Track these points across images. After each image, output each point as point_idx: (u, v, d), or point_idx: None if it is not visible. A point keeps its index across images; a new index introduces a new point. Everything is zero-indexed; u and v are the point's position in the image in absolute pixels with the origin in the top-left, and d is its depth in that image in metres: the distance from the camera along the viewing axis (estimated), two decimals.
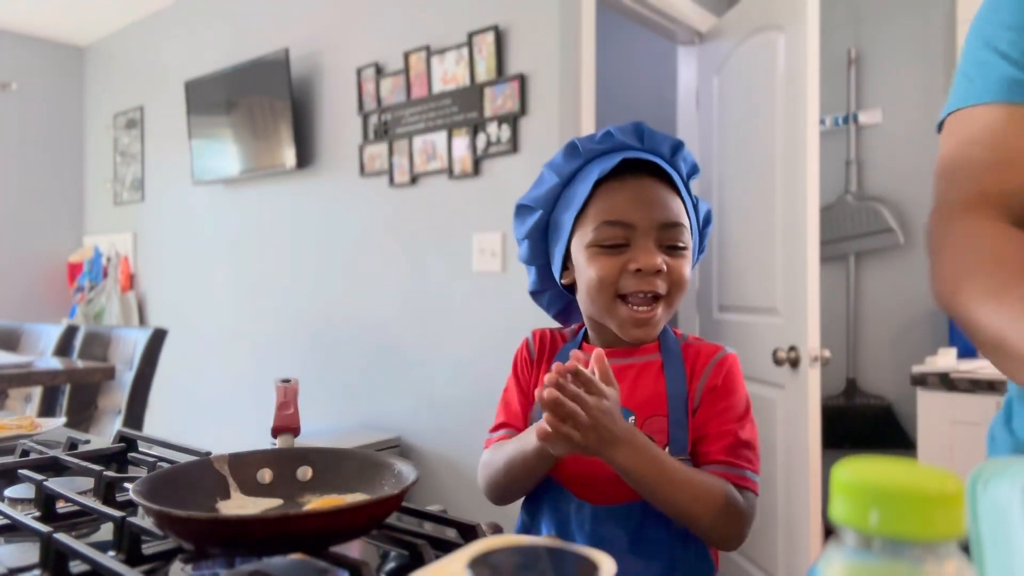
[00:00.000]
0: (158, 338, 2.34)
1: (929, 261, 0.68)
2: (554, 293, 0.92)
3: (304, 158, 3.09)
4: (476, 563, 0.42)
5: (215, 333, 3.59)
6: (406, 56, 2.68)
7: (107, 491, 0.79)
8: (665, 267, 0.77)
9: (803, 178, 2.16)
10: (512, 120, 2.38)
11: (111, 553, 0.64)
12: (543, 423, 0.68)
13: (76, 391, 2.35)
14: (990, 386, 2.21)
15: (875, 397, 2.95)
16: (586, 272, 0.80)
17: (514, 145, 2.38)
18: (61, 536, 0.62)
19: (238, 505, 0.73)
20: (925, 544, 0.28)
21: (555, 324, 1.00)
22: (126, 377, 2.29)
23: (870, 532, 0.28)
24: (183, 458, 0.90)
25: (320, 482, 0.77)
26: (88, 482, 0.84)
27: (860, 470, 0.29)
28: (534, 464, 0.76)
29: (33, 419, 1.23)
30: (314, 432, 2.64)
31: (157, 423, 3.28)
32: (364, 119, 2.87)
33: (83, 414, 2.36)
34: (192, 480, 0.72)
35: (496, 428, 0.90)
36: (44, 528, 0.63)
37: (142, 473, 0.88)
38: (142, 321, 4.04)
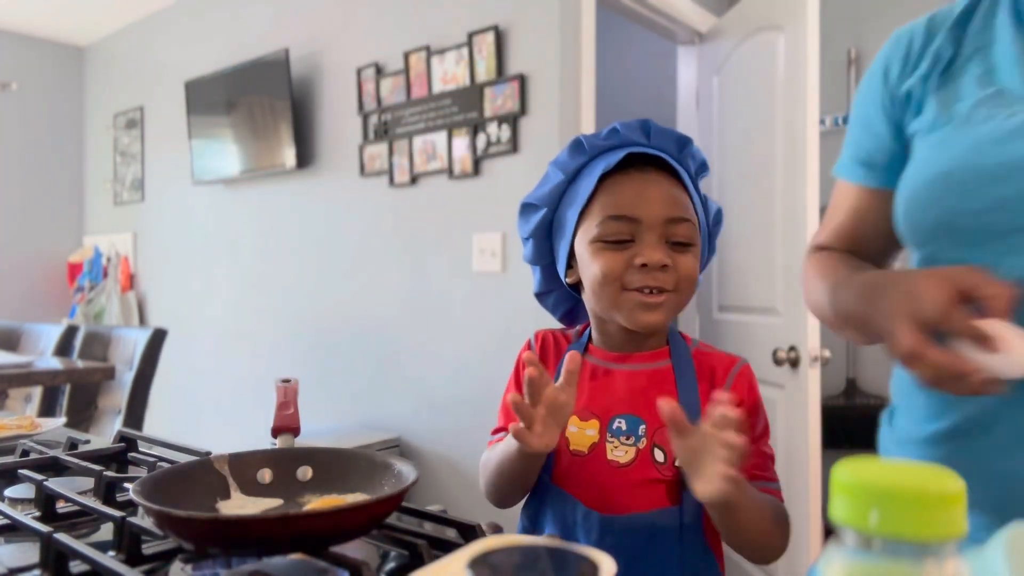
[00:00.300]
0: (158, 338, 2.35)
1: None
2: (560, 295, 0.91)
3: (304, 158, 3.09)
4: (476, 563, 0.42)
5: (215, 333, 3.59)
6: (406, 56, 2.68)
7: (107, 491, 0.79)
8: (670, 262, 0.76)
9: (803, 178, 2.16)
10: (512, 120, 2.38)
11: (111, 553, 0.64)
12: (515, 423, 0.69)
13: (76, 391, 2.35)
14: None
15: (875, 397, 2.95)
16: (590, 268, 0.79)
17: (514, 145, 2.38)
18: (61, 536, 0.62)
19: (238, 505, 0.73)
20: (925, 544, 0.28)
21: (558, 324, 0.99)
22: (126, 377, 2.29)
23: (870, 532, 0.28)
24: (183, 458, 0.90)
25: (320, 482, 0.77)
26: (88, 482, 0.84)
27: (860, 470, 0.29)
28: (519, 463, 0.76)
29: (33, 419, 1.23)
30: (314, 432, 2.64)
31: (157, 423, 3.28)
32: (364, 119, 2.87)
33: (83, 414, 2.36)
34: (192, 480, 0.72)
35: (497, 431, 0.90)
36: (44, 528, 0.63)
37: (142, 473, 0.88)
38: (142, 321, 4.04)
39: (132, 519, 0.66)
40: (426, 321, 2.67)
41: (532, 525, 0.82)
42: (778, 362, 2.19)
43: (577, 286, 0.85)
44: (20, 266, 4.21)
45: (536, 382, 0.69)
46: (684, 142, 0.82)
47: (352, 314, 2.95)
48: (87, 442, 1.08)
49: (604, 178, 0.79)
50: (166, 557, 0.64)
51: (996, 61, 0.74)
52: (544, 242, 0.86)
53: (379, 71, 2.80)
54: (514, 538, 0.46)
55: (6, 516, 0.72)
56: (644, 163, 0.79)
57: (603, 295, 0.78)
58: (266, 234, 3.32)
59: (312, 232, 3.11)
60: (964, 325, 0.58)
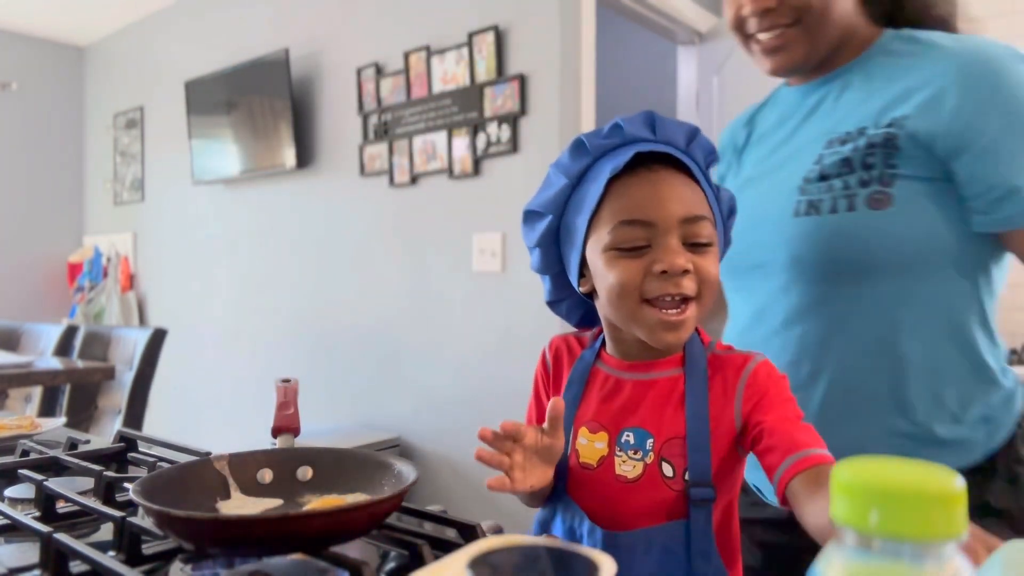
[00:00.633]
0: (158, 338, 2.34)
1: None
2: (573, 301, 0.86)
3: (304, 158, 3.09)
4: (476, 563, 0.42)
5: (215, 333, 3.59)
6: (406, 56, 2.68)
7: (107, 491, 0.79)
8: (691, 266, 0.70)
9: None
10: (512, 120, 2.38)
11: (111, 553, 0.64)
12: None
13: (76, 391, 2.35)
14: None
15: None
16: (606, 278, 0.73)
17: (514, 145, 2.38)
18: (61, 536, 0.62)
19: (238, 505, 0.73)
20: (925, 544, 0.28)
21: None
22: (126, 377, 2.29)
23: (870, 532, 0.28)
24: (183, 458, 0.90)
25: (320, 482, 0.77)
26: (88, 482, 0.84)
27: (860, 470, 0.29)
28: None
29: (33, 419, 1.23)
30: (314, 432, 2.64)
31: (157, 423, 3.28)
32: (364, 119, 2.87)
33: (83, 414, 2.36)
34: (192, 480, 0.72)
35: None
36: (44, 528, 0.63)
37: (142, 473, 0.88)
38: (142, 321, 4.04)
39: (132, 519, 0.66)
40: (426, 321, 2.67)
41: (542, 531, 0.80)
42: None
43: (591, 294, 0.79)
44: (20, 266, 4.21)
45: (509, 433, 0.68)
46: (692, 132, 0.76)
47: (352, 314, 2.95)
48: (87, 442, 1.08)
49: (612, 181, 0.73)
50: (166, 557, 0.64)
51: (762, 144, 1.01)
52: (552, 249, 0.81)
53: (379, 71, 2.80)
54: (514, 538, 0.46)
55: (6, 516, 0.72)
56: (652, 161, 0.73)
57: (621, 307, 0.73)
58: (266, 234, 3.32)
59: (312, 232, 3.11)
60: None
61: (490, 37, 2.42)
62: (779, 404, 0.71)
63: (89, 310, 4.05)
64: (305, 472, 0.78)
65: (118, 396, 2.31)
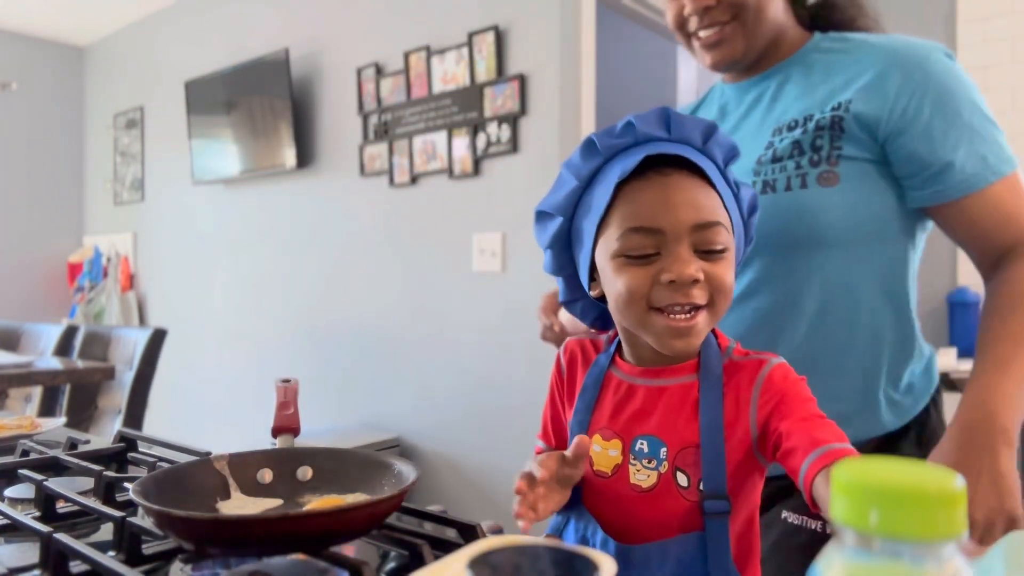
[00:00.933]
0: (158, 338, 2.35)
1: None
2: (587, 302, 0.84)
3: (304, 158, 3.09)
4: (476, 563, 0.42)
5: (215, 333, 3.59)
6: (406, 56, 2.68)
7: (107, 491, 0.80)
8: (702, 275, 0.68)
9: None
10: (512, 120, 2.38)
11: (111, 553, 0.64)
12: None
13: (76, 391, 2.35)
14: None
15: None
16: (614, 285, 0.71)
17: (514, 145, 2.38)
18: (61, 536, 0.62)
19: (238, 505, 0.73)
20: (925, 544, 0.28)
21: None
22: (126, 377, 2.29)
23: (870, 532, 0.28)
24: (183, 458, 0.90)
25: (320, 482, 0.77)
26: (88, 482, 0.84)
27: (860, 470, 0.29)
28: None
29: (33, 419, 1.23)
30: (314, 432, 2.64)
31: (157, 423, 3.28)
32: (364, 119, 2.87)
33: (83, 414, 2.36)
34: (192, 480, 0.72)
35: (540, 436, 0.88)
36: (44, 528, 0.63)
37: (142, 473, 0.88)
38: (142, 321, 4.04)
39: (132, 519, 0.66)
40: (426, 321, 2.67)
41: (556, 535, 0.79)
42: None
43: (603, 297, 0.78)
44: (20, 266, 4.21)
45: (532, 483, 0.67)
46: (709, 130, 0.73)
47: (352, 314, 2.95)
48: (87, 442, 1.08)
49: (621, 185, 0.71)
50: (166, 557, 0.64)
51: None
52: (564, 252, 0.79)
53: (379, 71, 2.80)
54: (514, 538, 0.46)
55: (6, 516, 0.72)
56: (663, 163, 0.71)
57: (629, 315, 0.71)
58: (266, 234, 3.32)
59: (312, 232, 3.11)
60: (546, 306, 1.04)
61: (490, 37, 2.42)
62: (796, 407, 0.69)
63: (89, 310, 4.05)
64: (305, 472, 0.78)
65: (118, 396, 2.31)
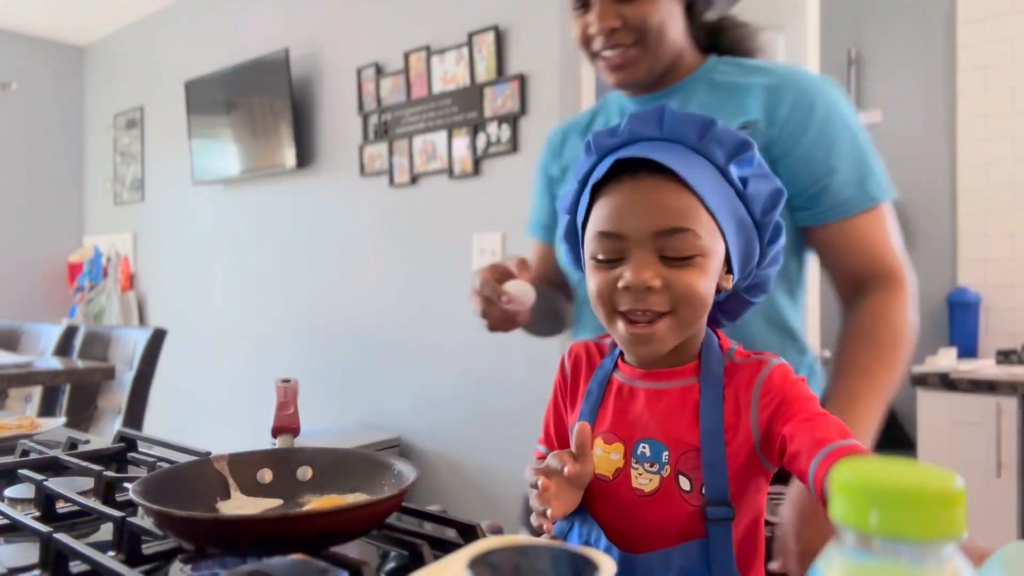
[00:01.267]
0: (158, 338, 2.35)
1: None
2: None
3: (304, 158, 3.09)
4: (476, 563, 0.42)
5: (215, 333, 3.59)
6: (406, 56, 2.68)
7: (107, 491, 0.80)
8: (658, 283, 0.67)
9: None
10: (512, 120, 2.38)
11: (111, 553, 0.64)
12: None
13: (76, 391, 2.35)
14: (990, 386, 2.21)
15: None
16: (588, 286, 0.73)
17: (514, 145, 2.38)
18: (61, 536, 0.62)
19: (238, 505, 0.73)
20: (925, 544, 0.28)
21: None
22: (126, 377, 2.29)
23: (870, 532, 0.28)
24: (183, 458, 0.90)
25: (320, 482, 0.77)
26: (88, 482, 0.84)
27: (860, 470, 0.29)
28: None
29: (33, 419, 1.23)
30: (314, 432, 2.64)
31: (157, 423, 3.28)
32: (364, 119, 2.87)
33: (83, 414, 2.36)
34: (192, 480, 0.72)
35: (541, 441, 0.88)
36: (44, 528, 0.63)
37: (142, 473, 0.88)
38: (142, 321, 4.04)
39: (132, 519, 0.66)
40: (426, 321, 2.67)
41: (562, 538, 0.79)
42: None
43: None
44: (20, 266, 4.21)
45: (549, 481, 0.68)
46: (705, 127, 0.71)
47: (352, 314, 2.95)
48: (87, 442, 1.08)
49: (600, 187, 0.72)
50: (166, 557, 0.64)
51: None
52: (576, 248, 0.81)
53: (379, 71, 2.80)
54: (514, 538, 0.46)
55: (6, 516, 0.72)
56: (638, 166, 0.70)
57: (598, 316, 0.73)
58: (266, 234, 3.32)
59: (312, 232, 3.11)
60: (491, 288, 0.94)
61: (490, 37, 2.42)
62: (798, 408, 0.68)
63: (89, 310, 4.05)
64: (305, 472, 0.78)
65: (118, 396, 2.31)
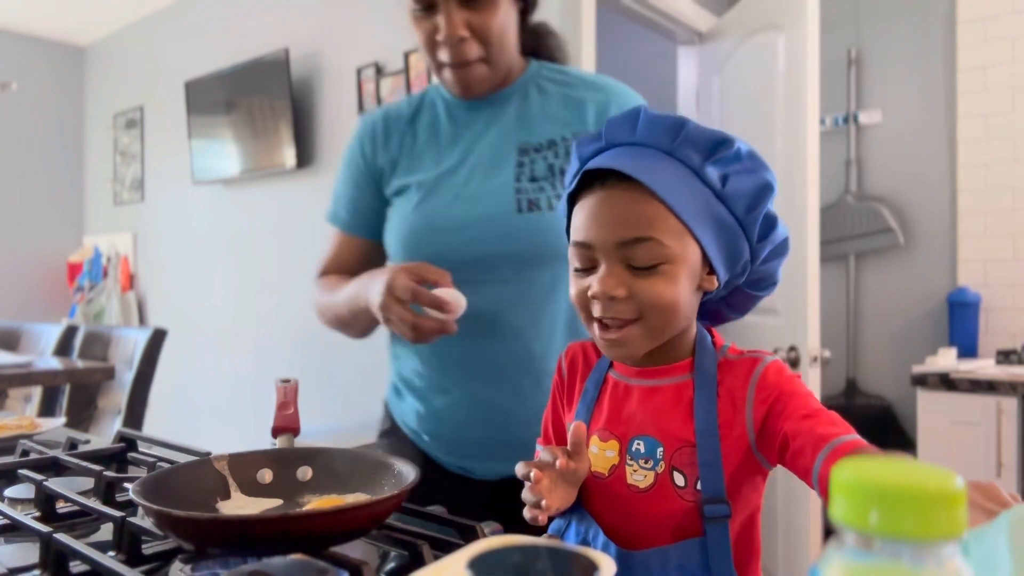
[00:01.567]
0: (158, 338, 2.34)
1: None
2: None
3: (304, 158, 3.09)
4: (476, 563, 0.42)
5: (215, 333, 3.59)
6: (406, 56, 2.68)
7: (107, 491, 0.80)
8: (622, 292, 0.68)
9: (803, 178, 2.16)
10: None
11: (111, 553, 0.64)
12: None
13: (76, 391, 2.35)
14: (990, 386, 2.21)
15: (875, 397, 2.95)
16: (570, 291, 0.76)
17: None
18: (61, 536, 0.62)
19: (238, 505, 0.73)
20: (925, 544, 0.28)
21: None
22: (126, 377, 2.29)
23: (870, 532, 0.28)
24: (183, 458, 0.90)
25: (320, 482, 0.77)
26: (88, 482, 0.84)
27: (860, 470, 0.29)
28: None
29: (33, 419, 1.23)
30: (314, 432, 2.64)
31: (157, 423, 3.28)
32: None
33: (83, 414, 2.36)
34: (192, 480, 0.73)
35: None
36: (44, 528, 0.63)
37: (142, 473, 0.88)
38: (142, 321, 4.04)
39: (132, 519, 0.66)
40: None
41: (558, 537, 0.79)
42: (784, 363, 2.20)
43: None
44: (20, 266, 4.20)
45: (541, 473, 0.68)
46: (676, 129, 0.70)
47: None
48: (87, 442, 1.08)
49: (576, 197, 0.74)
50: (166, 557, 0.64)
51: (440, 146, 1.11)
52: None
53: (379, 71, 2.80)
54: (514, 538, 0.46)
55: (6, 516, 0.72)
56: (607, 175, 0.70)
57: (582, 321, 0.75)
58: (266, 234, 3.32)
59: (312, 232, 3.11)
60: (425, 296, 0.89)
61: None
62: (795, 405, 0.68)
63: (89, 310, 4.05)
64: (305, 472, 0.78)
65: (118, 396, 2.31)
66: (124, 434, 1.04)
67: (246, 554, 0.63)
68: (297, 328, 3.18)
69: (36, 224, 4.30)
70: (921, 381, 2.35)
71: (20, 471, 0.83)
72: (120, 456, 1.00)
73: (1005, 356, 2.42)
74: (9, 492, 0.85)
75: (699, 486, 0.69)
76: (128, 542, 0.64)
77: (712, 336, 0.77)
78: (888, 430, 2.86)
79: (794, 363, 2.17)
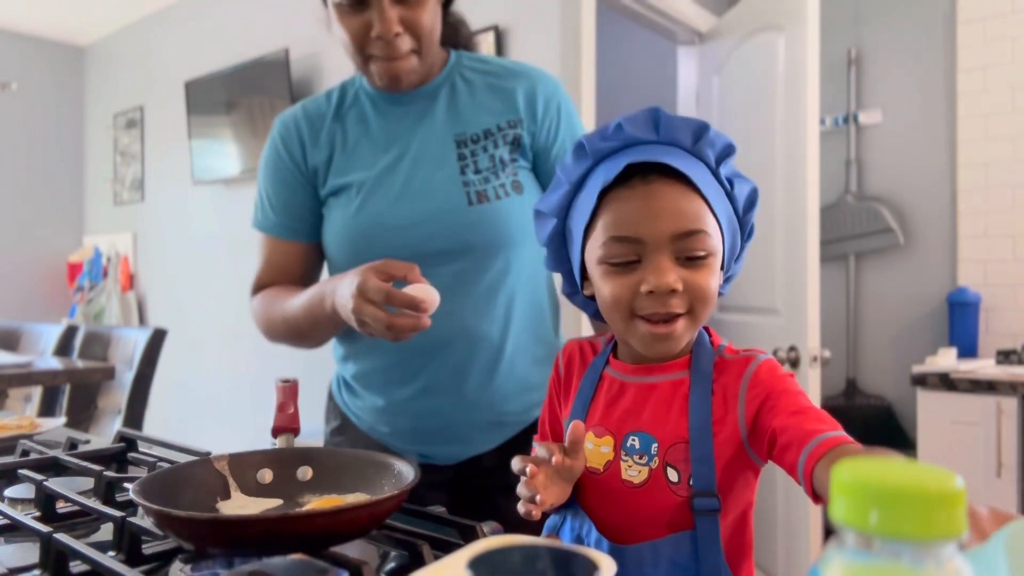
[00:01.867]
0: (158, 338, 2.34)
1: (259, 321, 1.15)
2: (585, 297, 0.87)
3: None
4: (476, 563, 0.42)
5: (215, 333, 3.59)
6: None
7: (107, 491, 0.80)
8: (680, 285, 0.69)
9: (803, 178, 2.16)
10: None
11: (111, 553, 0.64)
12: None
13: (76, 391, 2.35)
14: (990, 386, 2.21)
15: (875, 397, 2.95)
16: (600, 291, 0.74)
17: None
18: (61, 536, 0.62)
19: (238, 505, 0.73)
20: (925, 544, 0.28)
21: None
22: (126, 377, 2.29)
23: (870, 532, 0.28)
24: (183, 458, 0.90)
25: (320, 482, 0.77)
26: (88, 482, 0.84)
27: (860, 470, 0.29)
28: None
29: (33, 419, 1.23)
30: (314, 432, 2.63)
31: (157, 423, 3.28)
32: None
33: (83, 414, 2.36)
34: (192, 480, 0.73)
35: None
36: (44, 528, 0.63)
37: (142, 473, 0.88)
38: (142, 321, 4.04)
39: (132, 519, 0.66)
40: None
41: (553, 534, 0.80)
42: (778, 362, 2.19)
43: (595, 297, 0.79)
44: (20, 266, 4.20)
45: (537, 469, 0.68)
46: (700, 131, 0.73)
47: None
48: (87, 442, 1.08)
49: (606, 191, 0.72)
50: (166, 557, 0.64)
51: (374, 143, 1.09)
52: (560, 250, 0.82)
53: None
54: (514, 538, 0.46)
55: (6, 516, 0.72)
56: (647, 169, 0.71)
57: (614, 321, 0.74)
58: None
59: None
60: (399, 296, 0.86)
61: (490, 37, 2.42)
62: (785, 402, 0.69)
63: (89, 310, 4.05)
64: (305, 472, 0.78)
65: (118, 396, 2.31)
66: (124, 434, 1.04)
67: (246, 554, 0.63)
68: None
69: (36, 224, 4.30)
70: (921, 381, 2.35)
71: (20, 471, 0.83)
72: (120, 456, 1.00)
73: (1005, 356, 2.42)
74: (9, 492, 0.85)
75: (692, 482, 0.70)
76: (128, 542, 0.64)
77: (710, 335, 0.78)
78: (888, 430, 2.86)
79: (794, 363, 2.17)
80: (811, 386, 2.15)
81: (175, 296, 3.85)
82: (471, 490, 1.12)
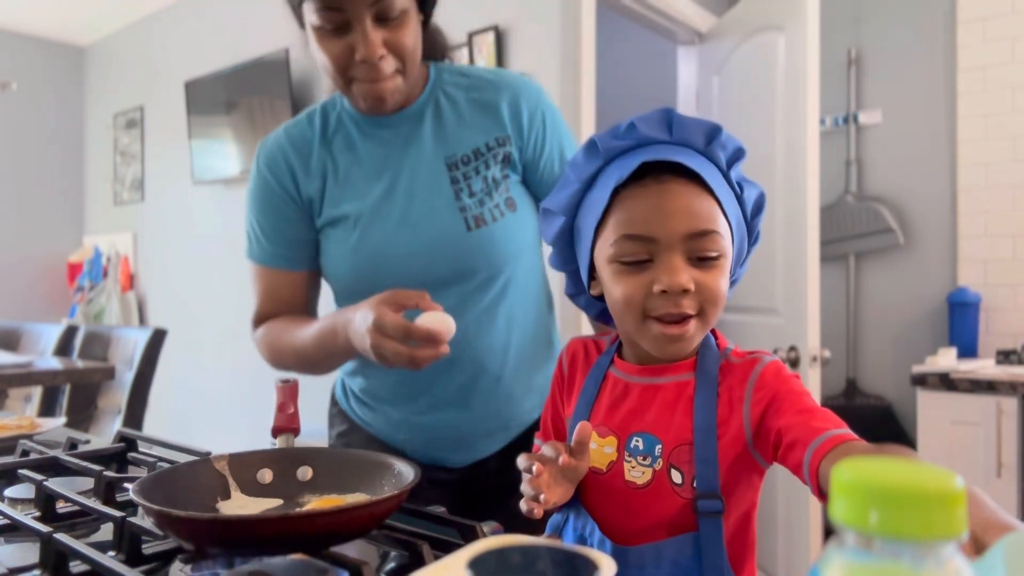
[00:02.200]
0: (158, 338, 2.34)
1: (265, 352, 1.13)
2: (590, 297, 0.85)
3: None
4: (476, 563, 0.42)
5: (215, 333, 3.59)
6: None
7: (107, 491, 0.80)
8: (692, 286, 0.69)
9: (803, 178, 2.16)
10: None
11: (111, 553, 0.64)
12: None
13: (76, 391, 2.35)
14: (990, 386, 2.21)
15: (875, 397, 2.95)
16: (610, 291, 0.73)
17: None
18: (61, 536, 0.62)
19: (238, 505, 0.73)
20: (925, 544, 0.28)
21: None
22: (126, 377, 2.29)
23: (870, 532, 0.28)
24: (183, 458, 0.90)
25: (320, 482, 0.77)
26: (88, 482, 0.84)
27: (860, 470, 0.29)
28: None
29: (33, 419, 1.23)
30: (314, 432, 2.64)
31: (157, 423, 3.27)
32: None
33: (83, 414, 2.36)
34: (192, 480, 0.73)
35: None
36: (44, 528, 0.63)
37: (142, 473, 0.88)
38: (142, 321, 4.04)
39: (132, 519, 0.66)
40: None
41: (556, 534, 0.80)
42: (784, 363, 2.20)
43: (602, 296, 0.79)
44: (20, 266, 4.20)
45: (543, 467, 0.68)
46: (712, 133, 0.73)
47: None
48: (87, 442, 1.08)
49: (619, 189, 0.71)
50: (166, 557, 0.64)
51: (365, 170, 1.08)
52: (567, 249, 0.81)
53: None
54: (514, 538, 0.46)
55: (6, 516, 0.72)
56: (661, 168, 0.71)
57: (625, 321, 0.73)
58: None
59: None
60: (417, 331, 0.85)
61: (490, 37, 2.42)
62: (790, 403, 0.69)
63: (89, 310, 4.05)
64: (305, 472, 0.78)
65: (118, 396, 2.31)
66: (124, 434, 1.04)
67: (246, 554, 0.63)
68: None
69: (36, 224, 4.30)
70: (921, 381, 2.35)
71: (20, 471, 0.83)
72: (120, 456, 1.00)
73: (1005, 356, 2.42)
74: (9, 492, 0.85)
75: (695, 484, 0.69)
76: (128, 542, 0.64)
77: (716, 337, 0.77)
78: (888, 430, 2.86)
79: (794, 363, 2.17)
80: (811, 386, 2.16)
81: (175, 296, 3.85)
82: (478, 489, 1.13)
